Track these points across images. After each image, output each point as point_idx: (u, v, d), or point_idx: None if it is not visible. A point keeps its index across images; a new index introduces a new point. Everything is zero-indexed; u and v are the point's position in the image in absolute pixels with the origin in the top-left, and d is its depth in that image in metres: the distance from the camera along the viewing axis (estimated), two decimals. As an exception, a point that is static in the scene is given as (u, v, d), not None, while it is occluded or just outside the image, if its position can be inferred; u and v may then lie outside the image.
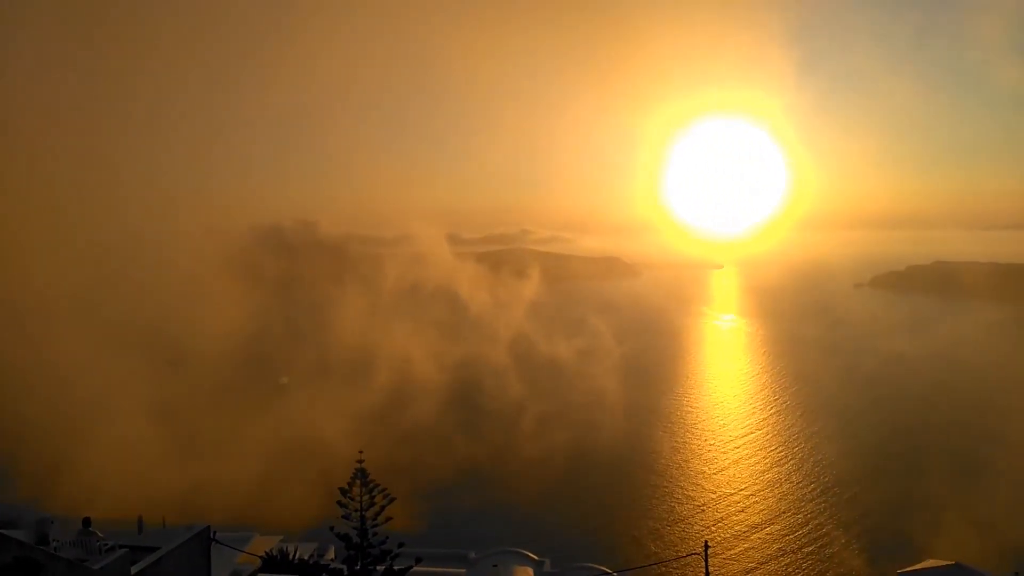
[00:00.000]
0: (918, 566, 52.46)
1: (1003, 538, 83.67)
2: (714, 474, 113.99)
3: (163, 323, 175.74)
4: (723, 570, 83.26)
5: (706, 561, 43.00)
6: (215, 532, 37.06)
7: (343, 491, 36.69)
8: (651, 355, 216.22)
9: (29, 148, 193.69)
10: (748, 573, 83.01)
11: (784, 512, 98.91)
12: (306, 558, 50.43)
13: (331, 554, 55.01)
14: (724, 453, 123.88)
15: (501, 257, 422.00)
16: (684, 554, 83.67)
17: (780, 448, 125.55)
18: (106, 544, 31.20)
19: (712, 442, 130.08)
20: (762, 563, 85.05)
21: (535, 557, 58.53)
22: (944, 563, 50.63)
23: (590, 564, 58.42)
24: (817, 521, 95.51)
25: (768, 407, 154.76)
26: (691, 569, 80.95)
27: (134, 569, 29.98)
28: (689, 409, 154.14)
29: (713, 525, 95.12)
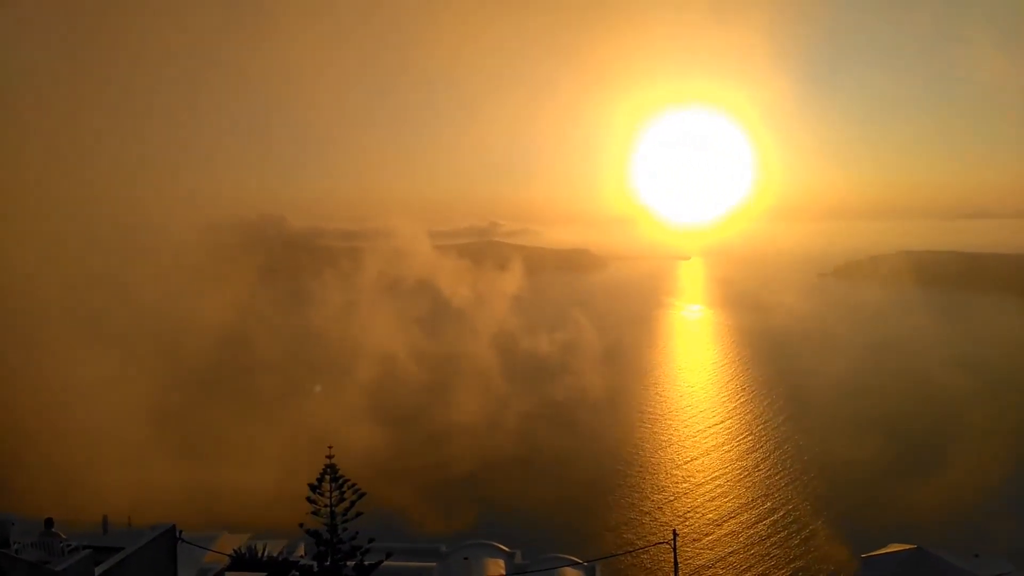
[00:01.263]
0: (881, 551, 53.56)
1: (964, 522, 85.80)
2: (684, 463, 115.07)
3: (152, 321, 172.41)
4: (694, 558, 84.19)
5: (675, 550, 43.41)
6: (181, 531, 36.58)
7: (313, 487, 36.37)
8: (620, 347, 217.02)
9: (9, 146, 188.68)
10: (718, 561, 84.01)
11: (753, 500, 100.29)
12: (275, 555, 50.00)
13: (301, 551, 54.59)
14: (694, 443, 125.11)
15: (471, 250, 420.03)
16: (653, 543, 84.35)
17: (749, 437, 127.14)
18: (69, 545, 30.62)
19: (681, 432, 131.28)
20: (732, 551, 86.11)
21: (506, 549, 58.62)
22: (906, 547, 51.76)
23: (560, 555, 58.62)
24: (786, 509, 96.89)
25: (735, 397, 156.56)
26: (661, 558, 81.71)
27: (98, 570, 29.52)
28: (658, 400, 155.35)
29: (684, 514, 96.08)
